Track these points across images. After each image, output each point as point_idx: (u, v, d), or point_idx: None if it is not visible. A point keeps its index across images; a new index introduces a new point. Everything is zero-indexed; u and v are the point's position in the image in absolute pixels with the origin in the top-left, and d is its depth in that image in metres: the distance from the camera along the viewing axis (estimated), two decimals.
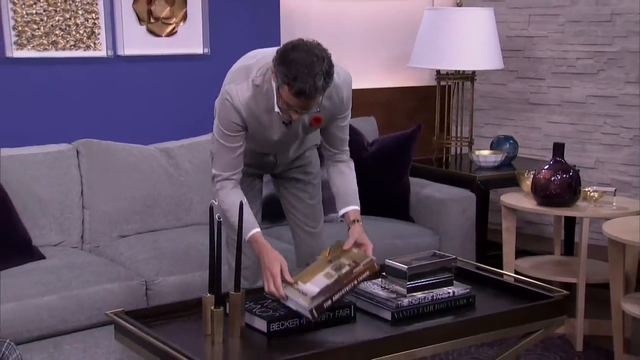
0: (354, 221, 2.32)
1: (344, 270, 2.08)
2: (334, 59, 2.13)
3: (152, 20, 3.26)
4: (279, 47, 2.12)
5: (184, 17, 3.33)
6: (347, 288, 2.05)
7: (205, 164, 3.21)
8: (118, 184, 3.01)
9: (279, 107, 2.11)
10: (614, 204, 3.02)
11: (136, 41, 3.22)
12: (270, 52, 2.16)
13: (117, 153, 3.05)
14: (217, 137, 2.27)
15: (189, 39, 3.33)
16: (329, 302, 2.02)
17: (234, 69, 2.32)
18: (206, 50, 3.39)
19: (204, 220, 3.16)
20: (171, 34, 3.31)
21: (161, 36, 3.29)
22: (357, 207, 2.37)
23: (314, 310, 1.99)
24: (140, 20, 3.24)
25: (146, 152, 3.12)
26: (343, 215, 2.36)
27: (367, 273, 2.09)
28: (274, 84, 2.10)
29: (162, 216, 3.09)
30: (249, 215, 2.22)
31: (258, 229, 2.25)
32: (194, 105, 3.40)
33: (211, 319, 1.99)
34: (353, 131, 3.42)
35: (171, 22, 3.30)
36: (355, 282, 2.07)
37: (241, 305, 2.01)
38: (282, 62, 2.04)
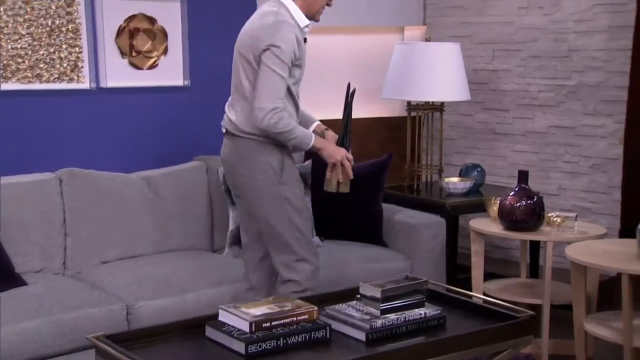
0: (326, 129, 2.80)
1: (286, 308, 2.17)
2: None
3: (134, 54, 3.34)
4: None
5: (165, 51, 3.42)
6: (286, 320, 2.12)
7: (185, 191, 3.29)
8: (100, 212, 3.06)
9: (328, 4, 2.68)
10: (576, 228, 3.11)
11: (118, 74, 3.30)
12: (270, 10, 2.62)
13: (100, 181, 3.10)
14: (278, 70, 2.53)
15: (170, 71, 3.42)
16: (269, 323, 2.09)
17: (267, 25, 2.59)
18: (186, 82, 3.48)
19: (184, 246, 3.25)
20: (152, 66, 3.39)
21: (143, 69, 3.37)
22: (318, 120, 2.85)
23: (253, 324, 2.06)
24: (122, 53, 3.32)
25: (128, 181, 3.18)
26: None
27: (306, 317, 2.16)
28: None
29: (143, 242, 3.14)
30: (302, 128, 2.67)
31: (314, 135, 2.68)
32: (175, 134, 3.48)
33: None
34: None
35: (152, 55, 3.40)
36: (295, 319, 2.14)
37: None
38: None
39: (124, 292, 2.78)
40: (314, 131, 2.77)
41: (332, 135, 2.79)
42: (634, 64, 3.70)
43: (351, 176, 2.74)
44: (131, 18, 3.32)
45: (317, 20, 2.72)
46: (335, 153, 2.70)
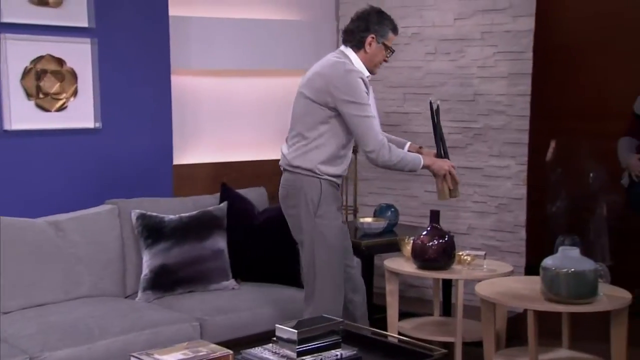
0: (420, 147, 3.11)
1: (200, 353, 2.15)
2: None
3: (41, 96, 3.25)
4: (363, 16, 2.93)
5: (75, 93, 3.34)
6: None
7: (96, 235, 3.20)
8: (3, 259, 2.91)
9: (385, 60, 2.97)
10: (485, 266, 3.22)
11: (24, 116, 3.20)
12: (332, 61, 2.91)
13: (3, 227, 2.96)
14: (366, 113, 2.82)
15: (80, 113, 3.34)
16: None
17: (339, 74, 2.84)
18: (97, 125, 3.41)
19: (94, 292, 3.14)
20: (61, 108, 3.31)
21: (51, 111, 3.28)
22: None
23: None
24: (28, 95, 3.22)
25: (34, 226, 3.06)
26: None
27: None
28: (373, 47, 2.91)
29: (49, 290, 3.01)
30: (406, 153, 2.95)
31: (420, 155, 2.97)
32: (86, 178, 3.39)
33: None
34: (245, 201, 3.56)
35: (61, 97, 3.31)
36: None
37: None
38: (383, 17, 2.93)
39: (28, 343, 2.66)
40: (409, 150, 3.07)
41: (427, 151, 3.09)
42: (533, 109, 3.92)
43: (459, 181, 3.05)
44: (38, 59, 3.24)
45: (374, 74, 3.01)
46: (444, 164, 2.98)
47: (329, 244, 2.89)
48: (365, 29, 2.92)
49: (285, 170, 2.97)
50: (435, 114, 3.06)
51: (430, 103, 3.09)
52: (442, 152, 3.04)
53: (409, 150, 3.06)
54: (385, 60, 3.01)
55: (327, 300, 2.92)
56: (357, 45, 2.94)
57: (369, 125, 2.83)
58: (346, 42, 2.97)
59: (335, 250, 2.92)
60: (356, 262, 3.23)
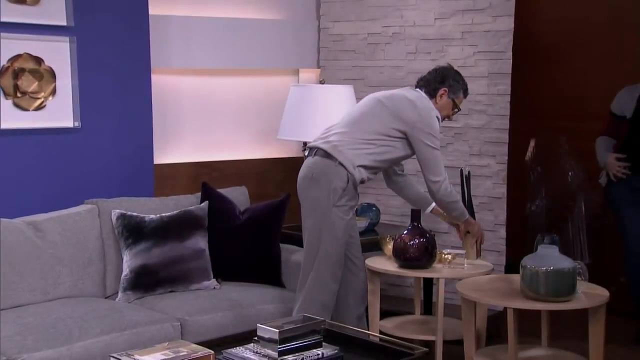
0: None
1: (181, 353, 2.16)
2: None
3: (19, 95, 3.21)
4: (442, 71, 3.24)
5: (53, 92, 3.31)
6: None
7: (76, 235, 3.17)
8: None
9: (449, 116, 3.27)
10: (465, 265, 3.24)
11: (2, 115, 3.15)
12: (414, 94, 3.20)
13: None
14: (436, 147, 3.11)
15: (59, 112, 3.31)
16: None
17: (424, 105, 3.14)
18: (76, 124, 3.37)
19: (73, 293, 3.12)
20: (39, 108, 3.27)
21: (29, 110, 3.25)
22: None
23: None
24: (6, 94, 3.18)
25: (11, 226, 3.02)
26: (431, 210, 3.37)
27: None
28: (443, 100, 3.20)
29: (27, 291, 2.99)
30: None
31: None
32: (65, 178, 3.36)
33: None
34: (226, 200, 3.55)
35: (39, 96, 3.27)
36: None
37: None
38: (459, 77, 3.23)
39: (5, 344, 2.62)
40: (432, 212, 3.37)
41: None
42: (513, 109, 3.96)
43: (484, 243, 3.38)
44: (15, 58, 3.20)
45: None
46: (480, 227, 3.32)
47: (335, 234, 3.04)
48: (441, 82, 3.21)
49: (317, 153, 3.09)
50: (465, 181, 3.38)
51: (462, 171, 3.41)
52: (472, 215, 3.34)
53: (432, 211, 3.37)
54: (449, 118, 3.29)
55: (321, 289, 3.02)
56: (431, 93, 3.21)
57: (439, 157, 3.14)
58: (421, 87, 3.24)
59: (340, 243, 3.07)
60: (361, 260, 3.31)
